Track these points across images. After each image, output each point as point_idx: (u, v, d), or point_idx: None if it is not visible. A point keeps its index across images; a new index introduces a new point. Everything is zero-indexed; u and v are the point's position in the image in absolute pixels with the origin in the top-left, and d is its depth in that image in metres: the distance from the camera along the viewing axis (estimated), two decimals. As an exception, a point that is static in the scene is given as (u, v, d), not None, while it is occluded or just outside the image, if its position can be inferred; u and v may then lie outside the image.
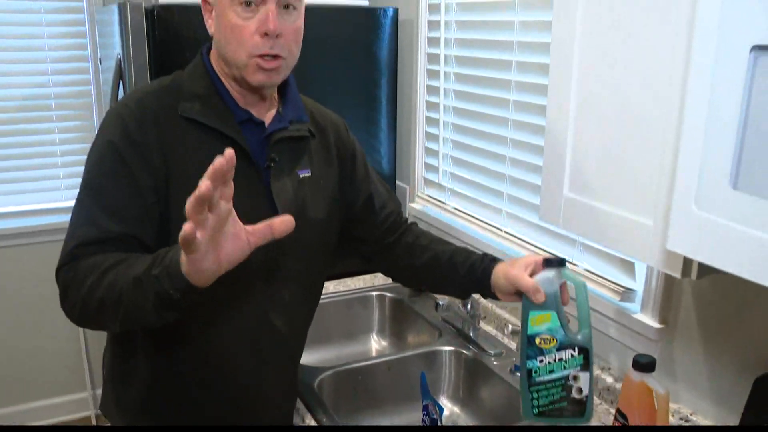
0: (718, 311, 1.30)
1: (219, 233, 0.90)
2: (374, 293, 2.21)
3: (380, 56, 2.28)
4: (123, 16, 1.97)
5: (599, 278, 1.57)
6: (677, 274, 0.95)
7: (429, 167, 2.32)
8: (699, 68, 0.79)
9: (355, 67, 2.26)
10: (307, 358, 1.82)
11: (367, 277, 2.30)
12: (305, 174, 1.30)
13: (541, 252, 1.77)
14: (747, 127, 0.76)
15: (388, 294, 2.20)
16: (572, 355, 1.20)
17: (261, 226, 0.95)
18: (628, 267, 1.51)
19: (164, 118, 1.17)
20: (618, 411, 1.28)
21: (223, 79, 1.23)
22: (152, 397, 1.29)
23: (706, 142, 0.80)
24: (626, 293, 1.49)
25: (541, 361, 1.20)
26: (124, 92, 2.10)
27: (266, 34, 1.13)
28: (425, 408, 1.53)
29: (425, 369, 1.77)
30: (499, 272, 1.29)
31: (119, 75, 2.12)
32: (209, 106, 1.20)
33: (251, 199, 1.20)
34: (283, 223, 0.95)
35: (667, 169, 0.92)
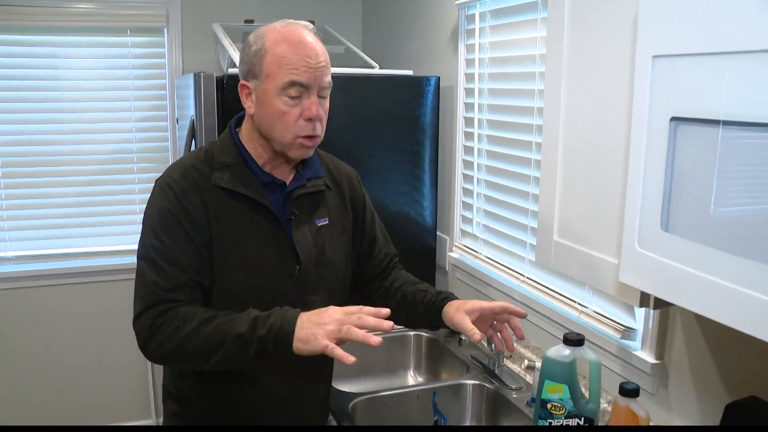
0: (704, 347, 1.46)
1: None
2: (411, 333, 2.41)
3: (424, 119, 2.53)
4: (197, 83, 2.29)
5: (604, 318, 1.74)
6: (636, 304, 1.13)
7: (465, 219, 2.53)
8: (636, 135, 1.00)
9: (402, 129, 2.52)
10: (348, 387, 2.03)
11: (406, 319, 2.50)
12: (323, 222, 1.51)
13: (556, 295, 1.95)
14: (672, 182, 0.95)
15: (424, 334, 2.39)
16: (578, 423, 1.34)
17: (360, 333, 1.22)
18: (629, 308, 1.67)
19: (203, 186, 1.40)
20: None
21: (249, 149, 1.44)
22: (197, 411, 1.51)
23: (643, 193, 1.00)
24: (627, 332, 1.65)
25: (550, 423, 1.35)
26: (196, 148, 2.40)
27: (310, 120, 1.37)
28: (435, 423, 1.71)
29: (451, 401, 1.94)
30: (447, 314, 1.46)
31: (192, 133, 2.43)
32: (237, 174, 1.41)
33: (276, 248, 1.43)
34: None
35: (619, 216, 1.12)
